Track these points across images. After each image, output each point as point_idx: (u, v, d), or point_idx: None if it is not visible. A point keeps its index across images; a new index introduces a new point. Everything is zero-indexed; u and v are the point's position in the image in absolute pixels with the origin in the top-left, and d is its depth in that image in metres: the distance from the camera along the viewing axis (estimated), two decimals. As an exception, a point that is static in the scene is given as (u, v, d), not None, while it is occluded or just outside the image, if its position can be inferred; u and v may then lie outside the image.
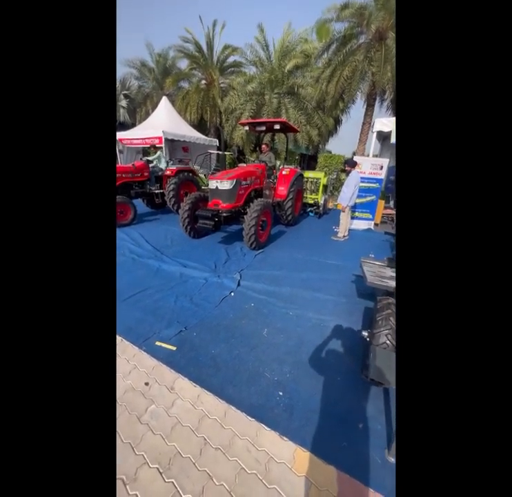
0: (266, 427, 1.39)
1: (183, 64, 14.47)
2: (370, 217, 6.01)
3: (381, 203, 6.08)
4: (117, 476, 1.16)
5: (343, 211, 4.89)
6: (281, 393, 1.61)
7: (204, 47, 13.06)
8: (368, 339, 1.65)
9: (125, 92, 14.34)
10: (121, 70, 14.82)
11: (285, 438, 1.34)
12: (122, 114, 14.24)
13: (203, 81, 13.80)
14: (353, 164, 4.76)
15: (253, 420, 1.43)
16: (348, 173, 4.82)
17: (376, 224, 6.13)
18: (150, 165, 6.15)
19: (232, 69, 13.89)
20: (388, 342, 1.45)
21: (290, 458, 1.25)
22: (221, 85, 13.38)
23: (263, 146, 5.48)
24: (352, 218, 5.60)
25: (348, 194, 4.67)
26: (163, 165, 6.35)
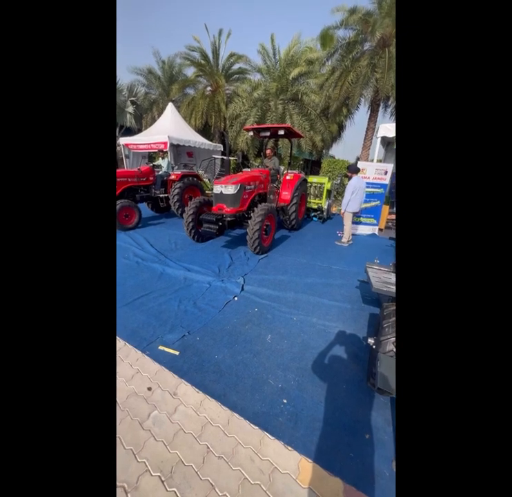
0: (269, 436, 1.36)
1: (189, 71, 14.77)
2: (375, 222, 5.98)
3: (386, 208, 6.05)
4: (118, 484, 1.14)
5: (342, 216, 4.94)
6: (285, 401, 1.58)
7: (210, 55, 13.33)
8: (374, 346, 1.62)
9: (132, 98, 14.62)
10: (129, 77, 15.17)
11: (289, 448, 1.31)
12: (129, 120, 14.48)
13: (209, 88, 14.04)
14: (355, 170, 4.71)
15: (257, 428, 1.40)
16: (349, 179, 4.82)
17: (380, 229, 6.09)
18: (163, 170, 6.26)
19: (237, 76, 14.13)
20: (395, 349, 1.42)
21: (295, 469, 1.22)
22: (226, 91, 13.59)
23: (268, 151, 5.52)
24: (357, 223, 5.58)
25: (345, 199, 4.72)
26: (169, 169, 6.45)
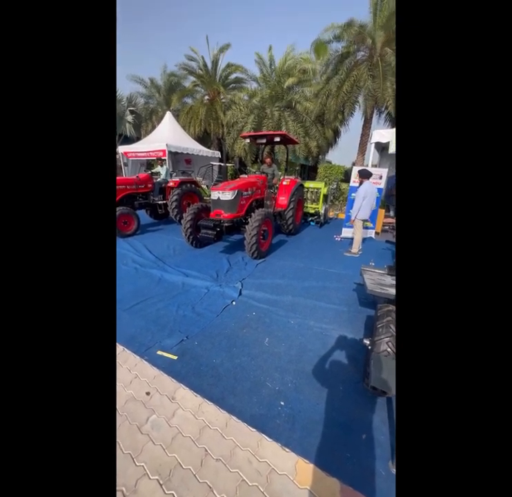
0: (267, 438, 1.38)
1: (187, 82, 15.10)
2: (371, 225, 6.04)
3: (382, 212, 6.13)
4: (117, 488, 1.15)
5: (352, 223, 4.64)
6: (282, 403, 1.59)
7: (209, 66, 13.69)
8: (369, 347, 1.64)
9: (131, 108, 14.89)
10: (128, 87, 15.46)
11: (287, 449, 1.32)
12: (128, 129, 14.70)
13: (206, 97, 14.32)
14: (366, 175, 4.42)
15: (255, 430, 1.42)
16: (360, 184, 4.58)
17: (377, 233, 6.15)
18: (162, 177, 6.35)
19: (234, 85, 14.47)
20: (388, 349, 1.45)
21: (292, 470, 1.23)
22: (223, 100, 13.88)
23: (267, 160, 5.58)
24: (350, 227, 5.46)
25: (355, 206, 4.47)
26: (167, 177, 6.55)
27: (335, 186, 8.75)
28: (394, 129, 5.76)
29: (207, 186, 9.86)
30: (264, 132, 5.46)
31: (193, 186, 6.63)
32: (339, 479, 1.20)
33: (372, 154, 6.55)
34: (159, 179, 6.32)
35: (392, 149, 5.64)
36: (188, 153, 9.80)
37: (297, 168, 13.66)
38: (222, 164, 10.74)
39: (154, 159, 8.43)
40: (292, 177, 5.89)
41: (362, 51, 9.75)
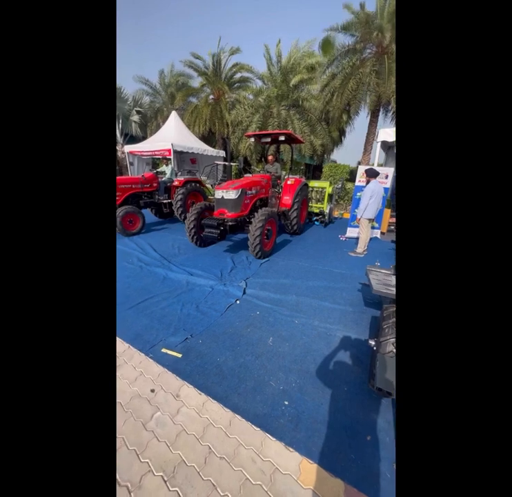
0: (271, 437, 1.37)
1: (194, 82, 15.18)
2: (377, 225, 5.98)
3: (387, 212, 6.06)
4: (122, 483, 1.16)
5: (357, 223, 4.65)
6: (286, 403, 1.59)
7: (215, 65, 13.73)
8: (374, 348, 1.63)
9: (137, 108, 15.02)
10: (136, 87, 15.58)
11: (291, 449, 1.32)
12: (134, 129, 14.85)
13: (211, 96, 14.35)
14: (373, 174, 4.37)
15: (258, 429, 1.42)
16: (367, 183, 4.53)
17: (382, 233, 6.09)
18: (167, 176, 6.41)
19: (239, 84, 14.47)
20: (394, 350, 1.43)
21: (296, 470, 1.23)
22: (228, 99, 13.88)
23: (270, 157, 5.58)
24: (356, 226, 5.43)
25: (361, 205, 4.41)
26: (172, 176, 6.60)
27: (340, 185, 8.69)
28: (401, 128, 5.68)
29: (211, 186, 9.89)
30: (269, 131, 5.43)
31: (198, 185, 6.66)
32: (344, 480, 1.19)
33: (378, 153, 6.48)
34: (164, 178, 6.37)
35: (398, 148, 5.56)
36: (193, 152, 9.83)
37: (302, 167, 13.61)
38: (227, 163, 10.75)
39: (159, 158, 8.49)
40: (297, 177, 5.86)
41: (368, 49, 9.65)
